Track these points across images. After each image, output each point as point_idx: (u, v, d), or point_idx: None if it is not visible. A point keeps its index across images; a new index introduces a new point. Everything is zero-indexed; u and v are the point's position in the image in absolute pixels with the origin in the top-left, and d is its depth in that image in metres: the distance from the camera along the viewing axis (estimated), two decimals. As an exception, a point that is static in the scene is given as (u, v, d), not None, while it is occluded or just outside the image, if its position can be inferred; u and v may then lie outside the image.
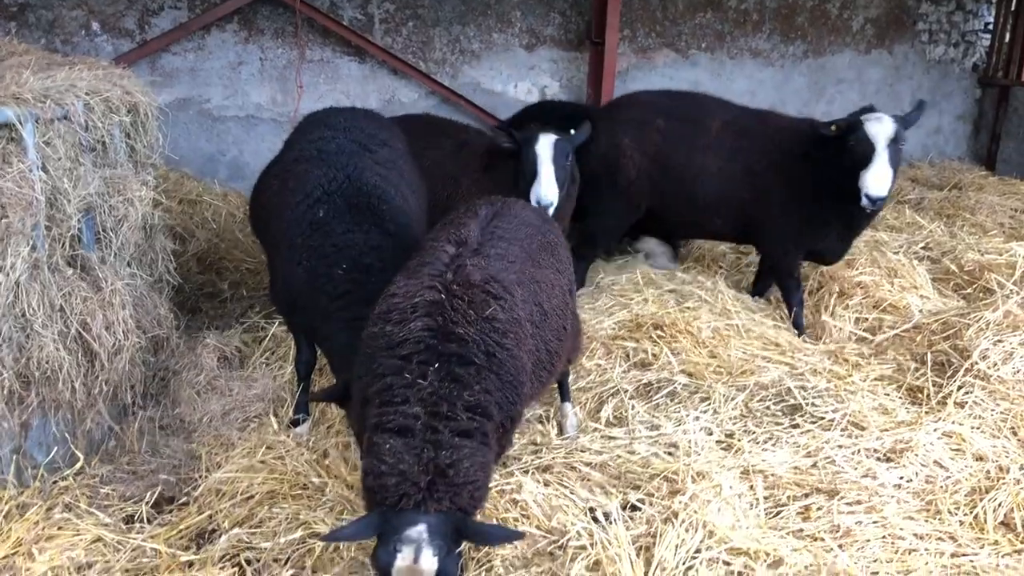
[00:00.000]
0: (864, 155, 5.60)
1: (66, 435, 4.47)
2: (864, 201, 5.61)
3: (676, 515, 3.68)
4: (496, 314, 3.36)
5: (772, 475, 4.46)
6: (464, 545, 3.11)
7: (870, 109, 5.95)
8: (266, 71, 9.10)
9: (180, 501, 4.48)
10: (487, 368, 3.27)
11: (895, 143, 5.58)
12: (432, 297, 3.34)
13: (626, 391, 5.12)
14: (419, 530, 2.87)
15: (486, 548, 3.88)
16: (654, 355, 5.45)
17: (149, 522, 4.24)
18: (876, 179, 5.52)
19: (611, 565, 3.40)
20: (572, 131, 5.89)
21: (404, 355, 3.23)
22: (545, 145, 5.60)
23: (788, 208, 6.26)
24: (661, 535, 3.50)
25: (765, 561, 3.42)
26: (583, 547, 3.72)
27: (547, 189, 5.55)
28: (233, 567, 3.90)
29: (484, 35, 9.96)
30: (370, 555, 2.99)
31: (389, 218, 4.46)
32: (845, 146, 5.71)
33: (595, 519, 3.99)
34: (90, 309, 4.38)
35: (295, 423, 4.97)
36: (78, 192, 4.37)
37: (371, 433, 3.14)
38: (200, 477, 4.69)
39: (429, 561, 2.83)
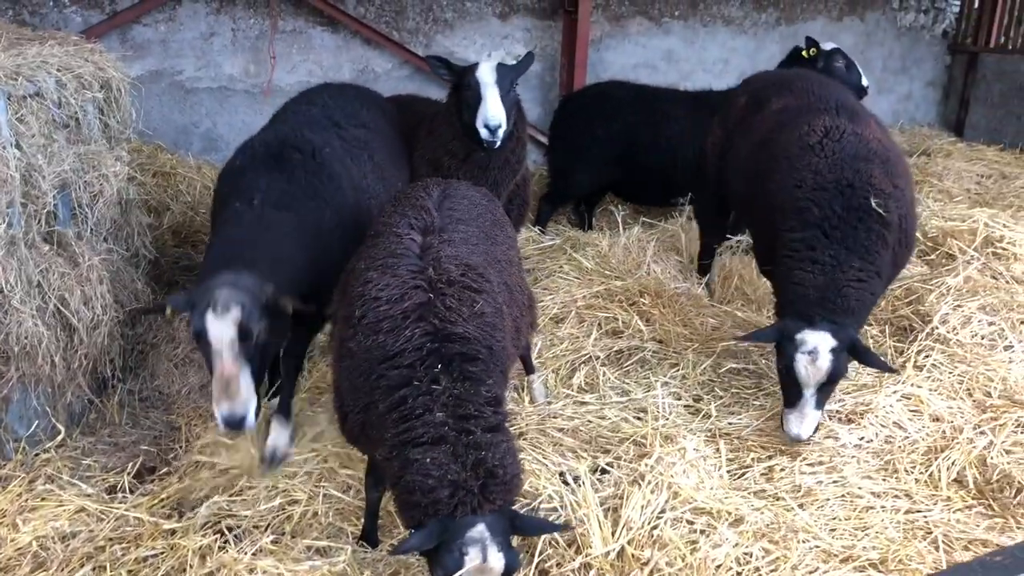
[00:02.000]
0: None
1: (47, 408, 4.54)
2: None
3: (643, 477, 3.82)
4: (484, 308, 3.39)
5: (737, 438, 4.63)
6: None
7: None
8: (239, 42, 9.05)
9: (161, 472, 4.58)
10: (491, 361, 3.30)
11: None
12: (421, 299, 3.32)
13: (598, 358, 5.24)
14: (480, 530, 2.90)
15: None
16: (625, 323, 5.57)
17: (131, 492, 4.34)
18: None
19: (580, 526, 3.53)
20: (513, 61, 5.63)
21: (408, 364, 3.18)
22: (486, 70, 5.25)
23: None
24: (628, 496, 3.64)
25: (727, 520, 3.56)
26: (554, 509, 3.86)
27: (494, 109, 5.12)
28: (215, 534, 4.00)
29: (457, 4, 9.95)
30: (432, 566, 2.98)
31: (308, 170, 4.44)
32: None
33: (565, 482, 4.13)
34: (68, 285, 4.43)
35: None
36: (52, 169, 4.39)
37: (400, 451, 3.09)
38: (180, 448, 4.80)
39: (497, 559, 2.88)
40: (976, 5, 12.61)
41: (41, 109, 4.38)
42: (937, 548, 3.72)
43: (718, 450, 4.30)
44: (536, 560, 3.49)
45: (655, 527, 3.49)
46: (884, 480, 4.31)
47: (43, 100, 4.39)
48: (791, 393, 4.50)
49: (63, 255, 4.52)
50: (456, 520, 2.92)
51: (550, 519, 3.72)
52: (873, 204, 4.56)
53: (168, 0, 8.57)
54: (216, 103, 9.06)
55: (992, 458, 4.32)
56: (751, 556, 3.35)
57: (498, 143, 5.24)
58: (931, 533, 3.86)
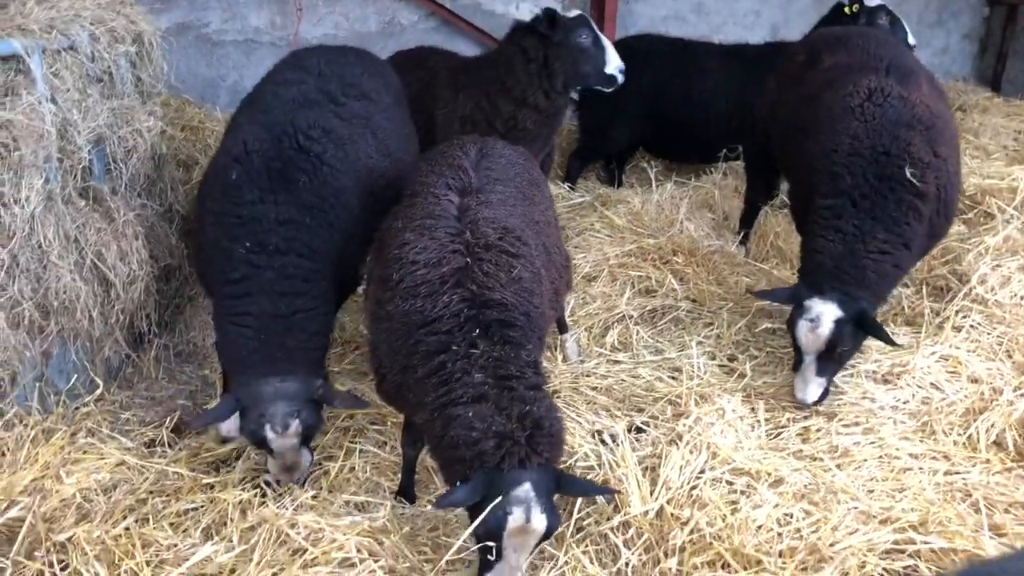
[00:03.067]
0: None
1: (85, 363, 4.58)
2: None
3: (680, 437, 3.82)
4: (522, 274, 3.37)
5: (772, 398, 4.60)
6: None
7: None
8: (258, -5, 8.97)
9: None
10: (528, 327, 3.30)
11: None
12: (459, 264, 3.30)
13: (631, 317, 5.22)
14: (526, 489, 2.89)
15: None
16: (658, 282, 5.54)
17: (170, 447, 4.38)
18: None
19: (618, 485, 3.53)
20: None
21: (446, 330, 3.18)
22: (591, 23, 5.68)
23: None
24: (666, 456, 3.63)
25: (766, 481, 3.56)
26: (591, 467, 3.87)
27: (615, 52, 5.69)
28: (253, 488, 4.04)
29: (486, -45, 9.79)
30: (474, 522, 2.96)
31: (315, 193, 4.06)
32: None
33: (602, 441, 4.13)
34: (104, 240, 4.45)
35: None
36: (87, 123, 4.39)
37: (441, 411, 3.10)
38: (215, 402, 4.84)
39: (540, 520, 2.89)
40: (1017, -46, 12.25)
41: (75, 63, 4.36)
42: (978, 511, 3.69)
43: (754, 410, 4.28)
44: (575, 518, 3.49)
45: (694, 487, 3.48)
46: (921, 442, 4.27)
47: (77, 54, 4.36)
48: (797, 357, 4.52)
49: (99, 210, 4.53)
50: (503, 473, 2.90)
51: (587, 478, 3.74)
52: (908, 174, 4.47)
53: (194, -49, 8.49)
54: (243, 56, 8.99)
55: (1032, 420, 4.27)
56: (791, 517, 3.35)
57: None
58: (970, 495, 3.82)
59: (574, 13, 5.81)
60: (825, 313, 4.30)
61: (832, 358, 4.43)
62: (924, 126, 4.63)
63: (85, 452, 4.19)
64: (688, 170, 7.86)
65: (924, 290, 5.59)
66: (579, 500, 3.56)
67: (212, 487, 4.09)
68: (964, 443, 4.25)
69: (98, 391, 4.59)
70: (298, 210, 3.98)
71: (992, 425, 4.30)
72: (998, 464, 4.11)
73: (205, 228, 4.10)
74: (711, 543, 3.16)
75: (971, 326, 5.13)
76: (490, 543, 2.96)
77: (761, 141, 5.76)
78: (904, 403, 4.56)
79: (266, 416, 3.70)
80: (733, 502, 3.41)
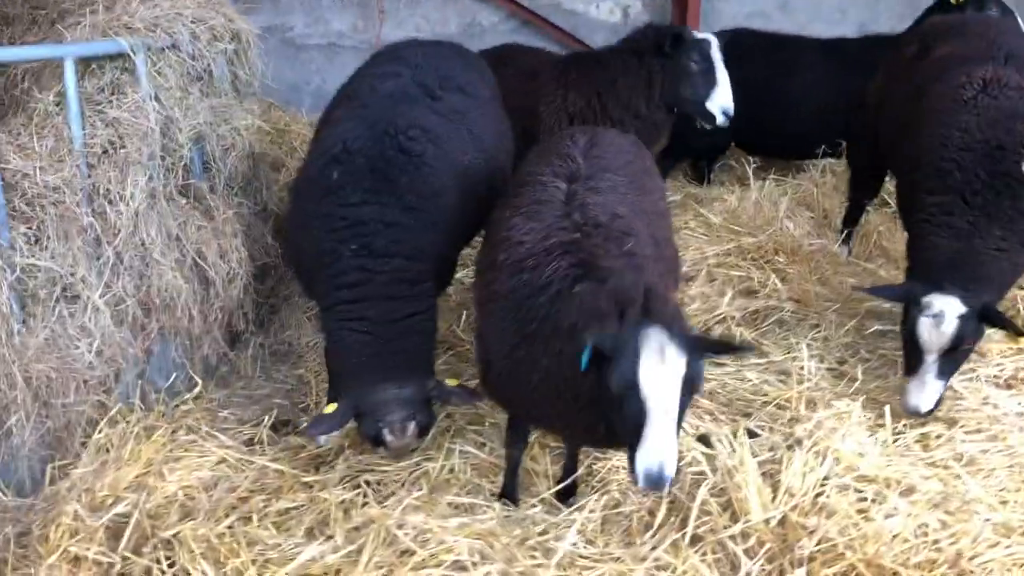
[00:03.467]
0: None
1: (184, 361, 4.59)
2: None
3: (800, 442, 3.64)
4: (635, 248, 3.27)
5: (887, 403, 4.38)
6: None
7: None
8: (345, -2, 9.02)
9: (296, 424, 4.60)
10: None
11: None
12: (566, 238, 3.24)
13: (733, 318, 5.05)
14: (658, 329, 2.73)
15: (602, 470, 3.93)
16: (760, 282, 5.36)
17: (269, 445, 4.35)
18: None
19: (736, 491, 3.38)
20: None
21: (556, 291, 3.11)
22: (718, 48, 5.52)
23: None
24: (787, 462, 3.46)
25: (896, 489, 3.37)
26: (701, 472, 3.71)
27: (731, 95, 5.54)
28: (354, 488, 3.98)
29: (567, -46, 9.70)
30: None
31: (413, 189, 3.97)
32: None
33: (708, 444, 3.98)
34: (204, 238, 4.46)
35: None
36: (188, 121, 4.41)
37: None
38: (311, 401, 4.81)
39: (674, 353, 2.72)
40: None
41: (177, 61, 4.39)
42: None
43: (879, 415, 4.07)
44: (691, 526, 3.34)
45: (819, 494, 3.31)
46: (1051, 451, 4.03)
47: (179, 52, 4.39)
48: (913, 359, 4.23)
49: (199, 208, 4.55)
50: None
51: (699, 485, 3.59)
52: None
53: (279, -45, 8.57)
54: (325, 60, 9.05)
55: None
56: (927, 527, 3.15)
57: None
58: (1112, 509, 3.58)
59: (703, 35, 5.68)
60: (948, 308, 4.04)
61: (953, 358, 4.19)
62: None
63: (186, 450, 4.19)
64: (784, 168, 7.63)
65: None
66: (693, 507, 3.40)
67: (311, 486, 4.05)
68: (1100, 454, 4.00)
69: (196, 389, 4.59)
70: (401, 211, 3.91)
71: None
72: None
73: (305, 230, 4.03)
74: (843, 553, 2.99)
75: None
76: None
77: (868, 137, 5.53)
78: (1030, 409, 4.31)
79: (384, 423, 3.70)
80: (863, 511, 3.23)
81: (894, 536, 3.06)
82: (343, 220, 3.87)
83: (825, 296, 5.32)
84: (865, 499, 3.30)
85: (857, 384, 4.49)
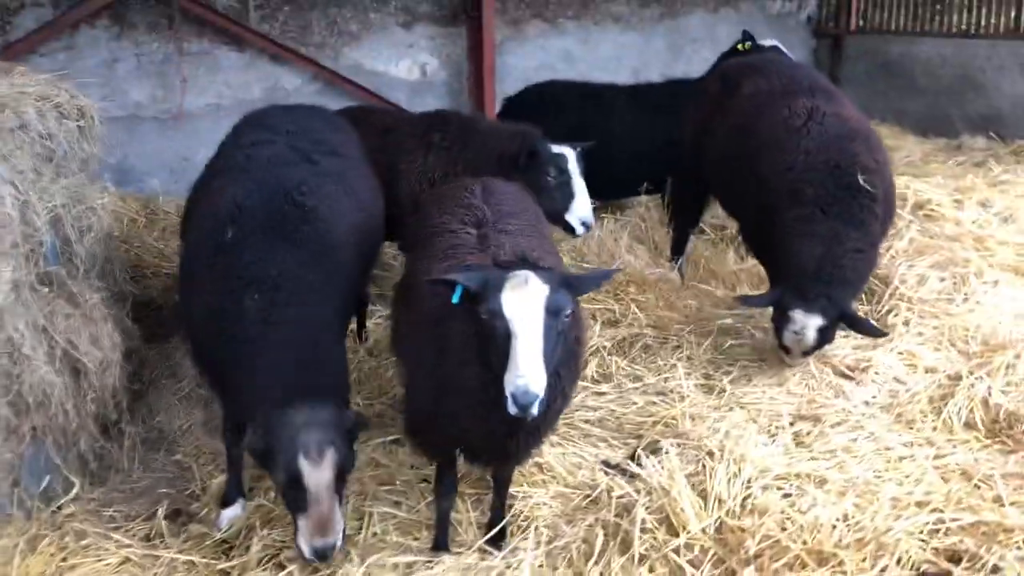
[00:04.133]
0: None
1: (58, 461, 4.24)
2: None
3: (711, 454, 3.92)
4: None
5: (755, 408, 4.80)
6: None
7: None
8: (143, 67, 8.65)
9: (190, 512, 4.36)
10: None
11: None
12: (484, 261, 3.39)
13: (605, 348, 5.33)
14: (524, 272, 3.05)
15: (524, 509, 4.03)
16: (621, 313, 5.68)
17: (169, 537, 4.10)
18: None
19: (672, 505, 3.58)
20: (577, 146, 5.75)
21: None
22: (574, 159, 5.53)
23: None
24: (711, 472, 3.73)
25: (809, 482, 3.71)
26: (624, 495, 3.90)
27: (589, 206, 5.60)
28: (277, 567, 3.84)
29: (361, 15, 9.83)
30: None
31: (309, 244, 3.97)
32: None
33: (623, 470, 4.20)
34: (74, 326, 4.17)
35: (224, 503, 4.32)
36: (44, 204, 4.13)
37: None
38: (196, 488, 4.58)
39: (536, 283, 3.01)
40: (834, -9, 13.46)
41: (27, 142, 4.10)
42: (977, 486, 3.95)
43: (754, 420, 4.46)
44: (636, 546, 3.52)
45: (746, 497, 3.59)
46: (900, 434, 4.55)
47: (28, 131, 4.11)
48: (784, 351, 4.98)
49: (62, 295, 4.24)
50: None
51: (625, 506, 3.78)
52: (862, 181, 4.87)
53: (65, 28, 8.12)
54: (126, 132, 8.60)
55: (993, 399, 4.64)
56: (847, 512, 3.50)
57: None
58: (966, 473, 4.11)
59: (560, 149, 5.65)
60: (809, 324, 4.68)
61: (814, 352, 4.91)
62: (862, 137, 5.10)
63: (83, 556, 3.88)
64: (609, 207, 8.09)
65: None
66: (634, 527, 3.58)
67: (228, 573, 3.87)
68: (940, 428, 4.58)
69: (74, 490, 4.26)
70: (298, 266, 3.87)
71: (960, 409, 4.65)
72: (975, 443, 4.45)
73: (200, 294, 3.90)
74: (787, 546, 3.27)
75: (904, 323, 5.55)
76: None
77: (689, 171, 6.06)
78: (873, 398, 4.86)
79: (299, 446, 3.41)
80: (790, 505, 3.54)
81: (824, 525, 3.39)
82: (239, 279, 3.78)
83: (676, 320, 5.73)
84: (788, 495, 3.62)
85: (727, 395, 4.89)
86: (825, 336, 4.71)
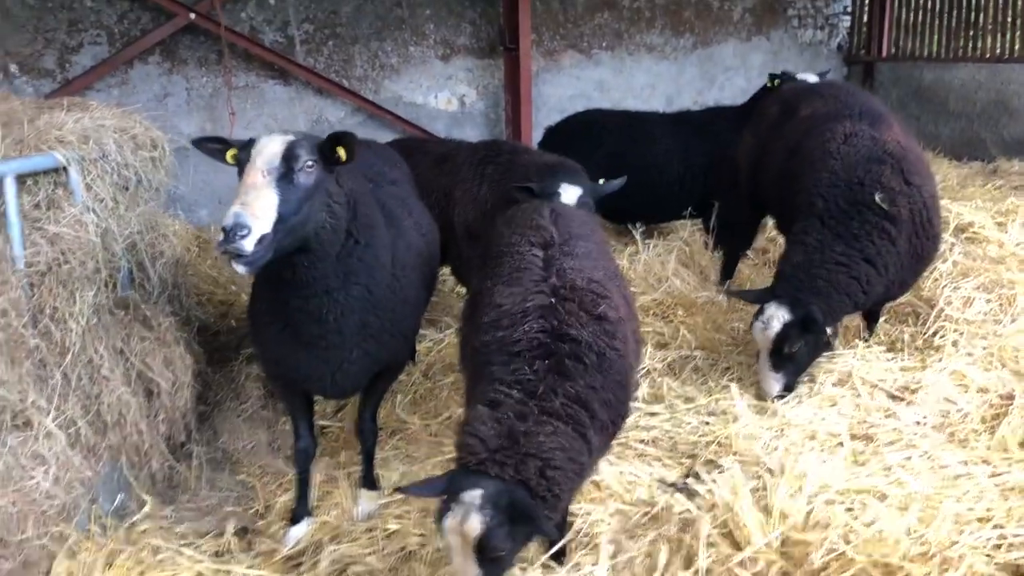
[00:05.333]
0: None
1: (131, 479, 4.38)
2: None
3: (771, 471, 3.99)
4: (606, 313, 3.49)
5: (806, 428, 4.85)
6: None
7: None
8: (193, 101, 8.94)
9: (256, 530, 4.48)
10: (596, 367, 3.36)
11: None
12: (542, 301, 3.45)
13: (656, 369, 5.41)
14: (473, 495, 2.97)
15: (584, 526, 4.09)
16: (671, 336, 5.77)
17: (240, 552, 4.22)
18: None
19: (735, 520, 3.66)
20: (602, 181, 5.61)
21: (516, 352, 3.32)
22: (572, 195, 5.17)
23: None
24: (772, 488, 3.79)
25: (871, 497, 3.77)
26: (683, 512, 3.98)
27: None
28: (346, 580, 3.95)
29: (401, 49, 10.09)
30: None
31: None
32: None
33: (679, 488, 4.27)
34: (149, 348, 4.33)
35: (294, 520, 4.39)
36: (122, 231, 4.31)
37: (468, 409, 3.31)
38: (260, 507, 4.70)
39: (474, 525, 2.93)
40: (865, 19, 13.57)
41: (106, 172, 4.28)
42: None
43: (815, 438, 4.52)
44: (702, 559, 3.58)
45: (809, 512, 3.65)
46: (953, 453, 4.59)
47: (108, 162, 4.29)
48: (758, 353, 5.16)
49: (137, 319, 4.40)
50: (464, 478, 3.04)
51: (687, 522, 3.85)
52: (876, 199, 4.97)
53: (120, 64, 8.40)
54: (176, 164, 8.83)
55: (1048, 419, 4.67)
56: (911, 528, 3.55)
57: None
58: (1024, 491, 4.14)
59: (567, 189, 5.21)
60: (775, 315, 4.91)
61: (785, 357, 5.01)
62: (896, 159, 5.19)
63: (159, 570, 4.00)
64: (655, 233, 8.21)
65: (892, 318, 6.06)
66: (697, 543, 3.66)
67: (299, 586, 3.98)
68: (994, 446, 4.61)
69: (146, 507, 4.38)
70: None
71: (1015, 427, 4.68)
72: (1032, 462, 4.47)
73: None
74: (852, 559, 3.33)
75: (952, 344, 5.59)
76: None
77: (743, 193, 6.17)
78: (925, 418, 4.90)
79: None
80: (853, 519, 3.59)
81: (886, 538, 3.44)
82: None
83: (725, 341, 5.80)
84: (850, 509, 3.67)
85: (779, 416, 4.95)
86: (789, 336, 4.88)
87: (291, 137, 3.43)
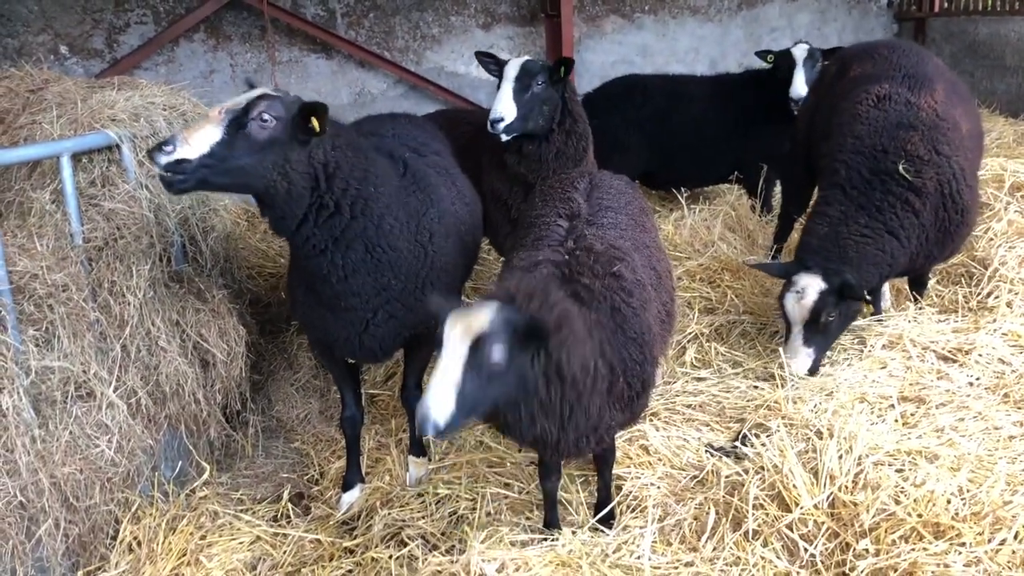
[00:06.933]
0: None
1: (190, 447, 4.51)
2: None
3: (820, 433, 3.98)
4: (622, 272, 3.49)
5: (855, 391, 4.81)
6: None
7: None
8: (238, 77, 9.02)
9: (311, 496, 4.60)
10: (608, 317, 3.32)
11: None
12: (556, 258, 3.50)
13: (703, 334, 5.41)
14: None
15: (633, 489, 4.12)
16: (718, 300, 5.75)
17: (296, 518, 4.34)
18: None
19: (784, 482, 3.67)
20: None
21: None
22: (512, 65, 5.38)
23: None
24: (821, 450, 3.79)
25: (920, 459, 3.75)
26: (731, 475, 3.99)
27: (499, 104, 5.22)
28: (398, 544, 4.03)
29: (442, 19, 10.06)
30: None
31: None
32: None
33: (727, 452, 4.28)
34: (203, 320, 4.44)
35: (347, 486, 4.54)
36: (174, 206, 4.40)
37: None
38: (316, 473, 4.81)
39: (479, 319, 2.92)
40: (915, -27, 13.21)
41: (158, 148, 4.36)
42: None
43: (864, 401, 4.49)
44: (750, 522, 3.61)
45: (858, 473, 3.64)
46: (1008, 414, 4.53)
47: (158, 139, 4.37)
48: (786, 329, 4.98)
49: (192, 292, 4.50)
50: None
51: (741, 486, 3.87)
52: (900, 168, 4.87)
53: (166, 42, 8.52)
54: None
55: (1104, 381, 4.58)
56: (962, 488, 3.53)
57: (501, 136, 5.25)
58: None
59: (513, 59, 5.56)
60: (810, 285, 4.80)
61: (818, 329, 4.87)
62: (928, 127, 5.00)
63: (218, 534, 4.14)
64: (700, 198, 8.14)
65: (945, 279, 5.96)
66: (746, 504, 3.68)
67: (353, 551, 4.08)
68: (1049, 408, 4.53)
69: (205, 475, 4.52)
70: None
71: (1072, 388, 4.59)
72: (1088, 423, 4.40)
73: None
74: (903, 519, 3.32)
75: (1007, 304, 5.49)
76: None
77: (799, 154, 6.08)
78: (978, 379, 4.83)
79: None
80: (903, 480, 3.58)
81: (937, 498, 3.43)
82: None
83: (773, 306, 5.75)
84: (901, 470, 3.66)
85: (829, 379, 4.92)
86: (826, 305, 4.77)
87: (274, 93, 3.54)
